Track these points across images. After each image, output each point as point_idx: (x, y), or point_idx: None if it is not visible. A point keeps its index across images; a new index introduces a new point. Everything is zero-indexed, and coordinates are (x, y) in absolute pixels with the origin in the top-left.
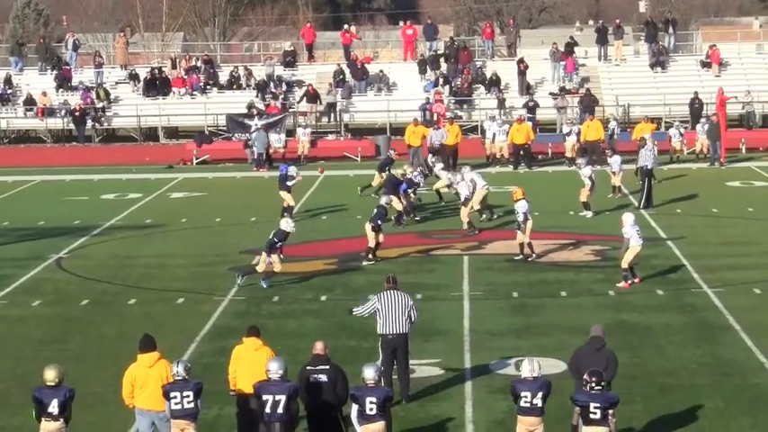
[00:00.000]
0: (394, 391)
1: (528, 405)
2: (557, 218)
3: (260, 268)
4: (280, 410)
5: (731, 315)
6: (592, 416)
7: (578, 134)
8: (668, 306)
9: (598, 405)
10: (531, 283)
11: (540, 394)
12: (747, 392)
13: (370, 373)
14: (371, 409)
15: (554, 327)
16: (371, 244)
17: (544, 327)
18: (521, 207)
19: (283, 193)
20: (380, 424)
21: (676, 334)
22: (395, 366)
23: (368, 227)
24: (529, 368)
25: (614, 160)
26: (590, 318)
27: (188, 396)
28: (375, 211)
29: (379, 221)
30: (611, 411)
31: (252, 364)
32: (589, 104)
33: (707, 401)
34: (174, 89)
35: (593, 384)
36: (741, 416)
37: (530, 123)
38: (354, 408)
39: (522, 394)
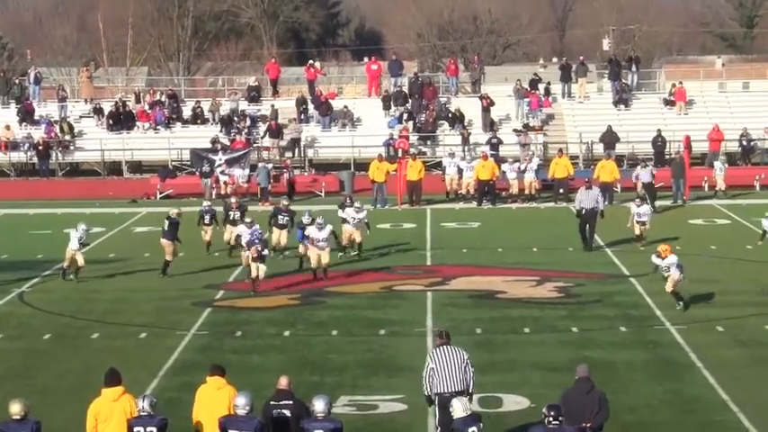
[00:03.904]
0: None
1: None
2: (520, 254)
3: None
4: None
5: (694, 352)
6: None
7: (536, 171)
8: (631, 343)
9: None
10: (494, 320)
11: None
12: (710, 430)
13: (320, 405)
14: None
15: (517, 363)
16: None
17: (507, 363)
18: (671, 261)
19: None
20: None
21: (639, 371)
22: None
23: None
24: (461, 407)
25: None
26: (553, 354)
27: (151, 431)
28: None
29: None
30: None
31: (213, 404)
32: (610, 141)
33: None
34: (138, 123)
35: (551, 419)
36: None
37: (505, 162)
38: None
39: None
